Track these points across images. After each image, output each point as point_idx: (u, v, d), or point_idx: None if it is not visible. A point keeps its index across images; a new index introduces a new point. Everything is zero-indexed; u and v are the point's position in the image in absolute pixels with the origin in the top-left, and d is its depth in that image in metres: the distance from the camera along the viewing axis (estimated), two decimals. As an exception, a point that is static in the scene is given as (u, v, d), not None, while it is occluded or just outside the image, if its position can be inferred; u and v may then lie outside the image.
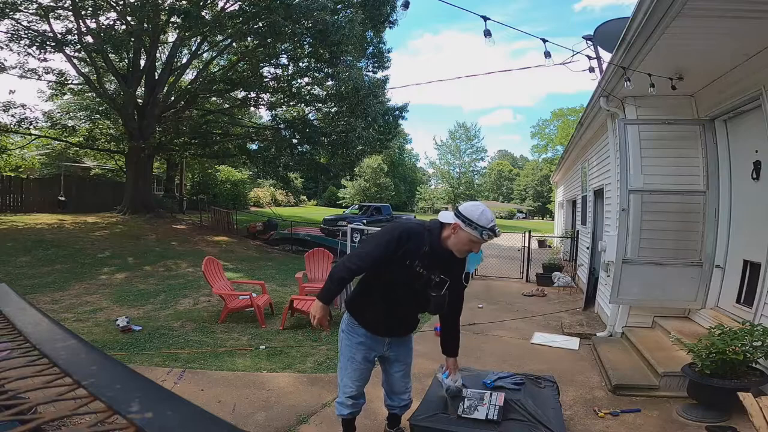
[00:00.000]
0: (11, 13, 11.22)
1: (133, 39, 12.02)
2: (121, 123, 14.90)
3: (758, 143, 3.64)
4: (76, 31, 12.09)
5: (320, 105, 16.18)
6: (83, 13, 12.03)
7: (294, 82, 14.95)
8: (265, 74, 15.26)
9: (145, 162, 14.77)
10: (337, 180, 37.19)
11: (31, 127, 13.86)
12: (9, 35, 11.69)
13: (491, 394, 2.55)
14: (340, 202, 48.35)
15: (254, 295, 5.68)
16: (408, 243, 2.13)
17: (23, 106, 13.24)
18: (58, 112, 16.53)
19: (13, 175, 15.48)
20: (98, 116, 16.82)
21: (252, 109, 19.35)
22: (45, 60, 12.59)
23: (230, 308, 5.46)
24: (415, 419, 2.40)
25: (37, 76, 13.43)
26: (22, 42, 11.79)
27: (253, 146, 17.77)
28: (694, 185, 4.32)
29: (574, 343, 4.86)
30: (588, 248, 7.48)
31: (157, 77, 14.79)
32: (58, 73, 13.98)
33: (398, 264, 2.14)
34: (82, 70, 13.76)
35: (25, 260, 8.32)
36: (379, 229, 2.48)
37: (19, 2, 11.22)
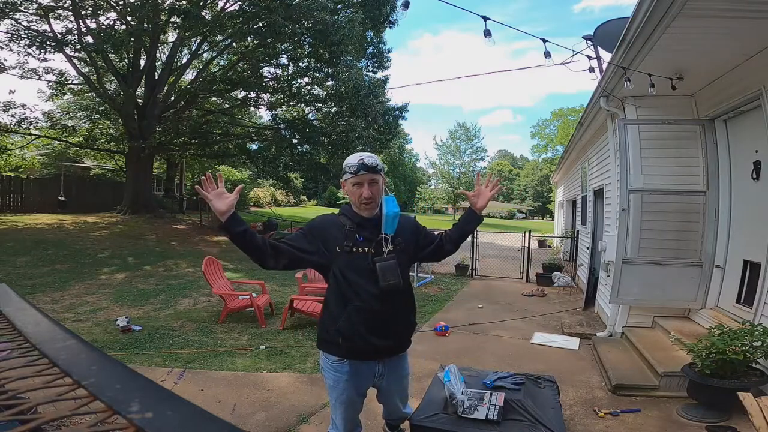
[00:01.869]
0: (11, 13, 11.23)
1: (133, 39, 12.01)
2: (121, 123, 14.91)
3: (758, 143, 3.64)
4: (76, 31, 12.10)
5: (320, 105, 16.18)
6: (83, 13, 12.03)
7: (294, 82, 14.95)
8: (265, 74, 15.28)
9: (145, 162, 14.78)
10: (337, 180, 37.15)
11: (31, 127, 13.87)
12: (9, 35, 11.70)
13: (491, 394, 2.55)
14: (340, 202, 48.24)
15: (254, 295, 5.68)
16: (323, 229, 1.97)
17: (23, 106, 13.25)
18: (58, 112, 16.54)
19: (13, 175, 15.48)
20: (98, 116, 16.83)
21: (252, 109, 19.36)
22: (45, 60, 12.62)
23: (230, 308, 5.46)
24: (415, 419, 2.40)
25: (37, 76, 13.44)
26: (22, 42, 11.80)
27: (253, 146, 17.78)
28: (694, 185, 4.32)
29: (574, 343, 4.86)
30: (588, 248, 7.48)
31: (157, 77, 14.80)
32: (58, 73, 13.99)
33: (335, 257, 1.93)
34: (82, 70, 13.77)
35: (25, 260, 8.32)
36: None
37: (19, 2, 11.23)
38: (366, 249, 1.93)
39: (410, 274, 7.17)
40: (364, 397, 2.15)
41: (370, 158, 1.93)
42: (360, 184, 1.92)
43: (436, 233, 2.21)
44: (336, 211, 2.13)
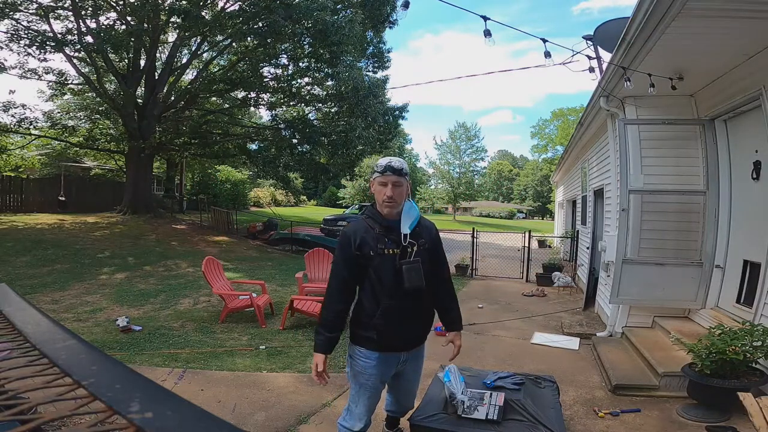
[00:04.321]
0: (11, 13, 11.22)
1: (133, 39, 12.01)
2: (121, 123, 14.90)
3: (758, 143, 3.64)
4: (76, 31, 12.09)
5: (320, 105, 16.18)
6: (83, 13, 12.03)
7: (294, 82, 14.94)
8: (265, 74, 15.26)
9: (145, 162, 14.77)
10: (337, 180, 37.18)
11: (31, 127, 13.87)
12: (9, 35, 11.70)
13: (491, 394, 2.55)
14: (340, 202, 48.28)
15: (254, 295, 5.67)
16: (357, 236, 2.10)
17: (23, 106, 13.25)
18: (58, 112, 16.51)
19: (13, 175, 15.48)
20: (98, 116, 16.80)
21: (252, 109, 19.35)
22: (45, 60, 12.60)
23: (230, 308, 5.46)
24: (415, 419, 2.40)
25: (37, 76, 13.43)
26: (22, 42, 11.79)
27: (253, 146, 17.77)
28: (694, 185, 4.32)
29: (574, 343, 4.86)
30: (588, 248, 7.48)
31: (157, 77, 14.79)
32: (58, 73, 13.98)
33: (369, 262, 2.07)
34: (82, 70, 13.76)
35: (25, 260, 8.32)
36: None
37: (19, 2, 11.22)
38: (394, 250, 2.09)
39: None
40: (384, 386, 2.32)
41: (398, 162, 2.10)
42: (385, 183, 2.07)
43: (440, 266, 2.31)
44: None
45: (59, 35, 12.01)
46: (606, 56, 5.13)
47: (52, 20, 12.07)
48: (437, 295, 2.31)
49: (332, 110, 15.94)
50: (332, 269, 2.18)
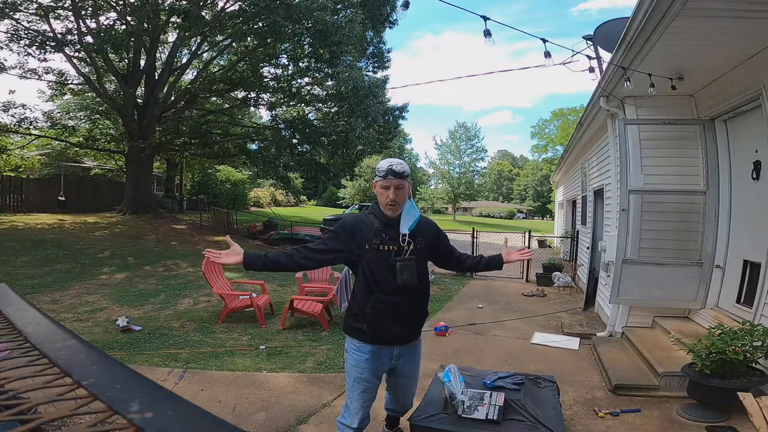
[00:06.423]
0: (11, 13, 11.22)
1: (133, 39, 12.01)
2: (121, 123, 14.90)
3: (758, 143, 3.64)
4: (76, 31, 12.09)
5: (320, 105, 16.18)
6: (83, 13, 12.03)
7: (294, 82, 14.94)
8: (265, 74, 15.25)
9: (145, 162, 14.77)
10: (337, 180, 37.21)
11: (31, 127, 13.85)
12: (9, 35, 11.69)
13: (491, 394, 2.55)
14: (340, 202, 48.30)
15: (254, 295, 5.68)
16: (354, 229, 2.18)
17: (23, 106, 13.23)
18: (58, 112, 16.48)
19: (13, 175, 15.47)
20: (98, 116, 16.79)
21: (252, 109, 19.35)
22: (45, 60, 12.57)
23: (230, 308, 5.46)
24: (415, 419, 2.40)
25: (37, 76, 13.43)
26: (22, 42, 11.77)
27: (253, 146, 17.77)
28: (694, 185, 4.32)
29: (574, 343, 4.86)
30: (588, 248, 7.48)
31: (157, 77, 14.78)
32: (58, 73, 13.98)
33: (363, 254, 2.14)
34: (82, 70, 13.75)
35: (25, 260, 8.31)
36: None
37: (19, 2, 11.22)
38: (390, 247, 2.15)
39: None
40: (379, 381, 2.33)
41: (399, 165, 2.14)
42: (387, 187, 2.13)
43: (450, 253, 2.51)
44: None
45: (59, 35, 12.00)
46: (606, 56, 5.13)
47: (52, 20, 12.06)
48: (465, 266, 2.52)
49: (332, 110, 15.93)
50: (317, 242, 2.25)
